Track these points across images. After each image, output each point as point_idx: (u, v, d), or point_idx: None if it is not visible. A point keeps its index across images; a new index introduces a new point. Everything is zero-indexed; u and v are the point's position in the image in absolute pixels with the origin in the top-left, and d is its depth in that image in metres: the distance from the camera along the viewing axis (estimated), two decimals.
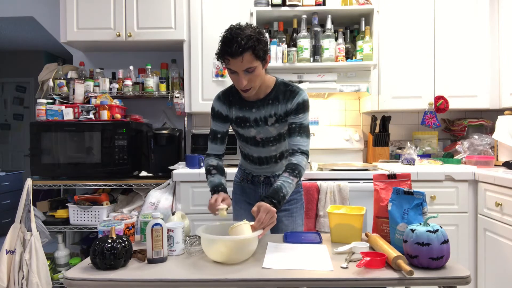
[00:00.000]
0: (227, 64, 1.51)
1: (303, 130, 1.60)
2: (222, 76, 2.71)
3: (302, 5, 2.65)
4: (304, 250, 1.40)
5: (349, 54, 2.74)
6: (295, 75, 2.67)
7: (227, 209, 1.52)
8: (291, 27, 2.77)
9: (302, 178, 1.83)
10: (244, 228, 1.34)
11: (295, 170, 1.52)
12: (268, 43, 1.61)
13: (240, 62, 1.46)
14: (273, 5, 2.65)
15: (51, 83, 2.84)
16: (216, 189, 1.63)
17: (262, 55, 1.51)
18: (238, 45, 1.43)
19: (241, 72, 1.50)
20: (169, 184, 2.55)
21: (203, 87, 2.73)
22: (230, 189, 1.95)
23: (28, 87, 6.05)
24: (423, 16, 2.70)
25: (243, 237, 1.28)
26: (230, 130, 1.80)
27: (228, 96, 1.72)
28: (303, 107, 1.61)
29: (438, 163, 2.61)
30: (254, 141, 1.72)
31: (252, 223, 1.38)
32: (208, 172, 1.72)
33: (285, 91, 1.64)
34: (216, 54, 1.53)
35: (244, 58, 1.46)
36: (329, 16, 2.66)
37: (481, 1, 2.68)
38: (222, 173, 1.72)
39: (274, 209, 1.38)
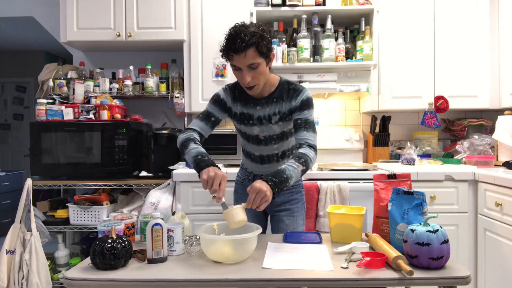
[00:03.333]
0: (231, 61, 1.53)
1: (309, 126, 1.60)
2: (222, 76, 2.71)
3: (302, 5, 2.65)
4: (304, 250, 1.40)
5: (349, 54, 2.74)
6: (295, 75, 2.66)
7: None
8: (291, 27, 2.77)
9: (302, 178, 1.83)
10: (239, 212, 1.35)
11: (301, 158, 1.48)
12: (272, 41, 1.62)
13: (243, 57, 1.49)
14: (273, 5, 2.65)
15: (51, 83, 2.84)
16: (205, 155, 1.51)
17: (266, 52, 1.52)
18: (242, 40, 1.46)
19: (245, 68, 1.52)
20: (169, 184, 2.55)
21: (203, 87, 2.73)
22: (231, 189, 1.96)
23: (28, 87, 6.05)
24: (423, 16, 2.70)
25: (242, 237, 1.28)
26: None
27: (234, 91, 1.73)
28: (308, 103, 1.63)
29: (438, 163, 2.61)
30: (257, 139, 1.73)
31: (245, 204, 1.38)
32: (192, 141, 1.58)
33: (289, 90, 1.66)
34: (220, 51, 1.55)
35: (247, 54, 1.48)
36: (329, 16, 2.66)
37: (481, 1, 2.68)
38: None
39: (265, 189, 1.34)
